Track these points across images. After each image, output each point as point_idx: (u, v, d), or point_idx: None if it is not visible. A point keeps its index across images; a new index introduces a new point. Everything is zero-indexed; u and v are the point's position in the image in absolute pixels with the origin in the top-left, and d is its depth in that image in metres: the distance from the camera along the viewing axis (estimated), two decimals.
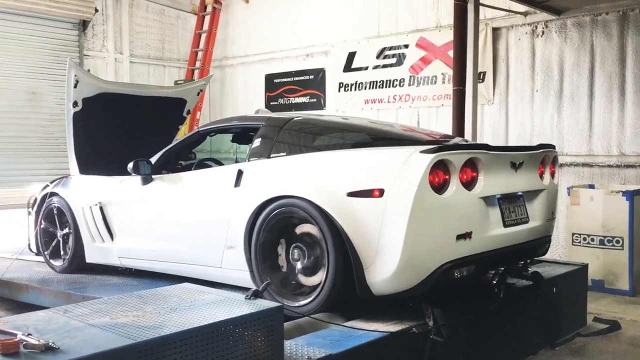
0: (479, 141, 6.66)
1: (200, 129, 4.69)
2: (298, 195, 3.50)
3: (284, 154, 3.85)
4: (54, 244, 5.28)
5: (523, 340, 4.09)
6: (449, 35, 7.12)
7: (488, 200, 3.51)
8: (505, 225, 3.63)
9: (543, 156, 4.02)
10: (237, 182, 3.92)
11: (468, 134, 6.20)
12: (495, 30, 7.39)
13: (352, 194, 3.32)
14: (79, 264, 5.08)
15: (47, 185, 5.49)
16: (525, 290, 4.16)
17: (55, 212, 5.23)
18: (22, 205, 6.25)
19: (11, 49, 8.46)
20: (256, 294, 2.78)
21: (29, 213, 5.75)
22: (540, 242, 4.03)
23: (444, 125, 7.22)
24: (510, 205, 3.72)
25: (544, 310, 4.26)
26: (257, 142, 4.04)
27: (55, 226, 5.26)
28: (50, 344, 2.03)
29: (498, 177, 3.61)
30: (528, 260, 4.13)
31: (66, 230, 5.15)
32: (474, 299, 3.76)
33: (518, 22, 7.24)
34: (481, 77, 7.42)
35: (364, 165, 3.43)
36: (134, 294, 2.87)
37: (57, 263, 5.24)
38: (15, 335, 2.09)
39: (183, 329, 2.29)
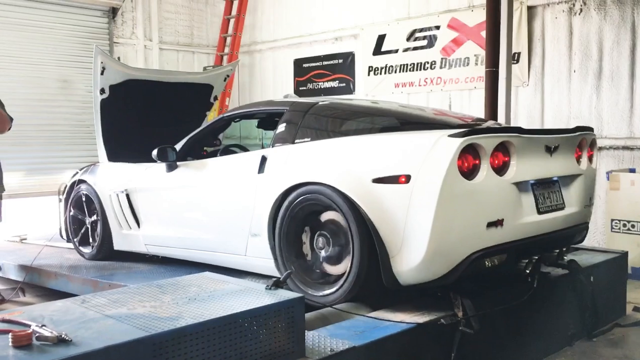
0: (513, 124, 6.44)
1: (225, 115, 4.62)
2: (322, 181, 3.40)
3: (309, 139, 3.75)
4: (82, 231, 5.31)
5: (558, 331, 3.93)
6: (481, 16, 6.88)
7: (521, 186, 3.35)
8: (539, 212, 3.46)
9: (580, 139, 3.83)
10: (261, 169, 3.84)
11: (501, 117, 5.99)
12: (531, 9, 7.11)
13: (377, 180, 3.21)
14: (107, 251, 5.09)
15: (77, 173, 5.52)
16: (561, 279, 4.00)
17: (84, 199, 5.25)
18: (54, 193, 6.31)
19: (43, 37, 8.52)
20: (277, 284, 2.70)
21: (60, 200, 5.80)
22: (577, 230, 3.85)
23: (476, 109, 7.01)
24: (544, 191, 3.55)
25: (581, 299, 4.09)
26: (281, 127, 3.95)
27: (83, 213, 5.28)
28: (63, 335, 1.99)
29: (532, 162, 3.44)
30: (564, 249, 3.96)
31: (94, 218, 5.16)
32: (506, 289, 3.62)
33: (554, 0, 6.95)
34: (515, 58, 7.16)
35: (390, 150, 3.30)
36: (153, 283, 2.82)
37: (86, 250, 5.27)
38: (29, 326, 2.06)
39: (200, 320, 2.23)
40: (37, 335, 1.99)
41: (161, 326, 2.15)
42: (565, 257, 4.02)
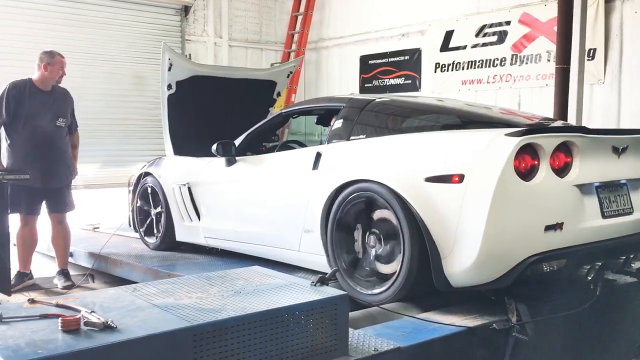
0: (586, 124, 6.14)
1: (284, 111, 4.66)
2: (374, 179, 3.37)
3: (364, 136, 3.72)
4: (148, 221, 5.51)
5: (623, 343, 3.73)
6: (555, 10, 6.58)
7: (584, 188, 3.20)
8: (604, 216, 3.29)
9: None
10: (316, 165, 3.85)
11: (572, 117, 5.74)
12: (608, 3, 6.75)
13: (430, 179, 3.14)
14: (170, 242, 5.26)
15: (144, 166, 5.73)
16: (629, 287, 3.78)
17: (150, 191, 5.44)
18: (125, 184, 6.58)
19: (119, 35, 8.89)
20: (323, 281, 2.69)
21: (129, 191, 6.04)
22: None
23: (548, 108, 6.73)
24: (610, 194, 3.37)
25: None
26: (337, 123, 3.95)
27: (149, 205, 5.48)
28: (109, 322, 2.06)
29: (597, 163, 3.27)
30: (631, 255, 3.74)
31: (159, 209, 5.34)
32: (565, 296, 3.46)
33: None
34: (591, 55, 6.83)
35: (444, 148, 3.23)
36: (203, 275, 2.89)
37: (151, 240, 5.46)
38: (79, 312, 2.15)
39: (242, 313, 2.26)
40: (85, 320, 2.07)
41: (203, 317, 2.19)
42: (633, 265, 3.79)
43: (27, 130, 5.07)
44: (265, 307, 2.33)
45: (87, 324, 2.06)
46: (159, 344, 2.03)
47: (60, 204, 5.33)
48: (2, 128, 5.09)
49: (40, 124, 5.12)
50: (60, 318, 2.04)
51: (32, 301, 2.33)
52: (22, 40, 7.84)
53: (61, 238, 5.42)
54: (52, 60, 5.18)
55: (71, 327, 2.02)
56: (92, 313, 2.14)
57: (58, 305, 2.26)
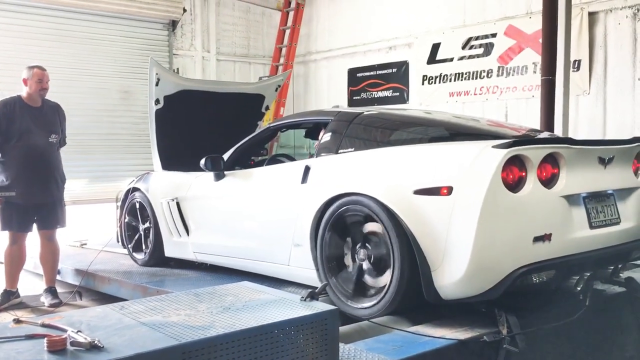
0: (573, 135, 6.20)
1: (272, 125, 4.66)
2: (363, 192, 3.37)
3: (352, 149, 3.73)
4: (136, 237, 5.47)
5: (613, 352, 3.73)
6: (540, 23, 6.66)
7: (571, 199, 3.21)
8: (591, 227, 3.31)
9: (638, 150, 3.64)
10: (304, 179, 3.85)
11: (559, 128, 5.79)
12: (592, 15, 6.85)
13: (419, 192, 3.15)
14: (159, 258, 5.22)
15: (132, 181, 5.70)
16: (617, 297, 3.79)
17: (137, 206, 5.40)
18: (113, 200, 6.53)
19: (105, 50, 8.86)
20: (312, 296, 2.68)
21: (117, 207, 6.00)
22: (635, 246, 3.63)
23: (535, 119, 6.79)
24: (597, 204, 3.39)
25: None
26: (325, 137, 3.95)
27: (137, 220, 5.44)
28: (96, 342, 2.03)
29: (583, 174, 3.29)
30: (619, 265, 3.76)
31: (147, 225, 5.30)
32: (555, 307, 3.46)
33: (617, 5, 6.67)
34: (576, 66, 6.91)
35: (432, 161, 3.24)
36: (191, 291, 2.86)
37: (139, 256, 5.42)
38: (66, 331, 2.12)
39: (231, 330, 2.23)
40: (71, 340, 2.04)
41: (192, 335, 2.17)
42: (621, 274, 3.81)
43: (19, 147, 5.05)
44: (254, 324, 2.31)
45: (73, 344, 2.03)
46: None
47: (51, 221, 5.28)
48: None
49: (33, 140, 5.10)
50: (46, 338, 2.01)
51: (17, 321, 2.29)
52: (7, 55, 7.80)
53: (50, 255, 5.36)
54: (30, 74, 5.16)
55: (57, 348, 1.99)
56: (79, 332, 2.10)
57: (44, 325, 2.23)
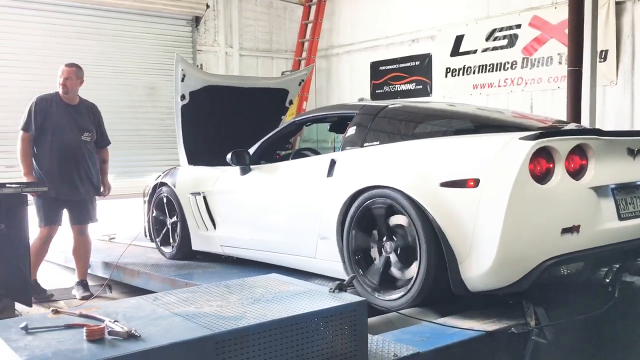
0: (600, 126, 6.13)
1: (297, 119, 4.69)
2: (389, 185, 3.38)
3: (377, 142, 3.74)
4: (164, 231, 5.55)
5: None
6: (565, 13, 6.60)
7: (600, 190, 3.19)
8: (620, 218, 3.28)
9: None
10: (330, 172, 3.87)
11: (585, 119, 5.72)
12: (619, 4, 6.73)
13: (445, 184, 3.15)
14: (186, 251, 5.30)
15: (159, 176, 5.78)
16: None
17: (165, 201, 5.49)
18: (140, 194, 6.64)
19: (131, 46, 8.98)
20: (341, 287, 2.71)
21: (144, 202, 6.09)
22: None
23: (560, 110, 6.72)
24: (627, 196, 3.36)
25: None
26: (350, 130, 3.97)
27: (164, 214, 5.52)
28: (132, 331, 2.09)
29: (612, 165, 3.26)
30: None
31: (174, 219, 5.38)
32: (584, 299, 3.44)
33: None
34: (603, 56, 6.81)
35: (458, 153, 3.24)
36: (222, 283, 2.91)
37: (167, 250, 5.51)
38: (103, 321, 2.18)
39: (262, 321, 2.28)
40: (109, 330, 2.10)
41: (224, 325, 2.22)
42: None
43: (52, 142, 5.19)
44: (285, 314, 2.35)
45: (111, 333, 2.09)
46: (182, 352, 2.06)
47: (82, 216, 5.41)
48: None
49: (66, 137, 5.24)
50: (85, 328, 2.07)
51: (55, 312, 2.36)
52: (36, 54, 7.95)
53: (82, 249, 5.48)
54: (59, 72, 5.28)
55: (96, 337, 2.05)
56: (116, 322, 2.17)
57: (81, 315, 2.30)
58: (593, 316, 3.25)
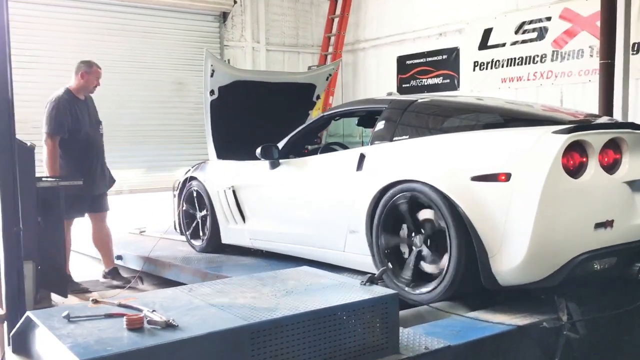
0: (633, 120, 6.02)
1: (325, 114, 4.72)
2: (419, 179, 3.39)
3: (407, 137, 3.75)
4: (194, 225, 5.63)
5: None
6: (597, 5, 6.49)
7: (634, 185, 3.15)
8: None
9: None
10: (359, 166, 3.89)
11: (618, 113, 5.64)
12: None
13: (476, 178, 3.15)
14: (215, 244, 5.37)
15: (189, 170, 5.86)
16: None
17: (195, 195, 5.56)
18: (169, 189, 6.74)
19: (159, 42, 9.08)
20: (372, 280, 2.73)
21: (174, 196, 6.19)
22: None
23: (591, 104, 6.62)
24: None
25: None
26: (380, 125, 3.98)
27: (194, 208, 5.60)
28: (170, 321, 2.15)
29: None
30: None
31: (204, 212, 5.46)
32: (617, 294, 3.41)
33: None
34: (635, 49, 6.68)
35: (490, 147, 3.23)
36: (254, 275, 2.96)
37: (197, 243, 5.59)
38: (142, 311, 2.24)
39: (295, 312, 2.32)
40: (148, 319, 2.16)
41: (259, 316, 2.26)
42: None
43: (81, 142, 5.29)
44: (317, 306, 2.39)
45: (150, 322, 2.15)
46: (219, 341, 2.10)
47: (104, 204, 5.55)
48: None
49: (91, 134, 5.37)
50: (125, 317, 2.13)
51: (95, 301, 2.43)
52: (66, 50, 8.08)
53: (105, 236, 5.61)
54: (90, 70, 5.38)
55: (135, 326, 2.11)
56: (154, 312, 2.22)
57: (120, 305, 2.36)
58: (626, 311, 3.22)
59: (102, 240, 5.62)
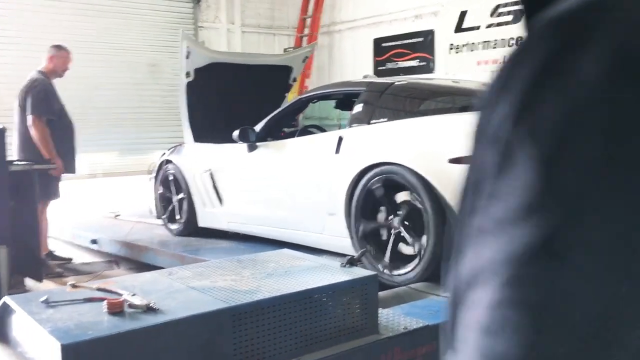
0: None
1: (303, 96, 4.71)
2: (397, 162, 3.42)
3: (385, 119, 3.77)
4: (170, 208, 5.60)
5: None
6: None
7: None
8: None
9: None
10: (338, 149, 3.90)
11: None
12: None
13: (453, 161, 3.18)
14: (192, 228, 5.35)
15: (164, 153, 5.81)
16: None
17: (171, 178, 5.52)
18: (144, 172, 6.68)
19: (133, 23, 8.93)
20: (352, 262, 2.76)
21: (150, 179, 6.13)
22: None
23: None
24: None
25: None
26: (357, 107, 3.99)
27: (171, 191, 5.56)
28: (151, 304, 2.14)
29: None
30: None
31: (181, 196, 5.42)
32: None
33: None
34: None
35: (466, 129, 3.26)
36: (234, 258, 2.96)
37: (174, 226, 5.55)
38: (122, 295, 2.23)
39: (277, 294, 2.33)
40: (128, 303, 2.15)
41: (240, 299, 2.27)
42: None
43: (63, 124, 5.29)
44: (298, 288, 2.40)
45: (130, 306, 2.14)
46: (201, 324, 2.11)
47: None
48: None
49: (69, 116, 5.39)
50: (105, 301, 2.12)
51: (73, 286, 2.41)
52: (38, 31, 7.89)
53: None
54: (59, 54, 5.37)
55: (116, 310, 2.10)
56: (134, 296, 2.21)
57: (99, 289, 2.34)
58: None
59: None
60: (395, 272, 3.45)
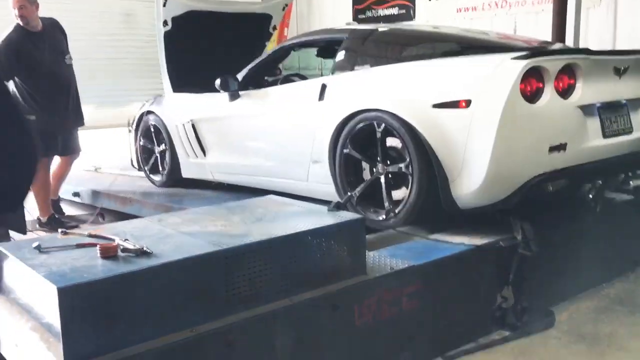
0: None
1: (285, 44, 4.65)
2: (381, 108, 3.43)
3: (368, 66, 3.75)
4: (152, 160, 5.56)
5: (621, 257, 3.91)
6: None
7: (586, 109, 3.28)
8: (604, 136, 3.39)
9: None
10: (321, 96, 3.89)
11: (570, 41, 5.75)
12: None
13: (437, 106, 3.21)
14: (176, 179, 5.34)
15: (144, 104, 5.73)
16: (626, 205, 3.93)
17: (152, 129, 5.47)
18: (123, 124, 6.58)
19: None
20: (339, 206, 2.81)
21: (130, 131, 6.06)
22: None
23: (544, 33, 6.71)
24: (611, 114, 3.46)
25: None
26: (340, 54, 3.96)
27: (152, 143, 5.52)
28: (145, 248, 2.17)
29: (599, 85, 3.34)
30: (630, 174, 3.87)
31: (163, 147, 5.38)
32: (567, 214, 3.61)
33: None
34: None
35: (450, 75, 3.28)
36: (222, 205, 2.99)
37: (157, 178, 5.54)
38: (114, 240, 2.25)
39: (267, 237, 2.37)
40: (121, 247, 2.18)
41: (231, 242, 2.31)
42: (631, 183, 3.94)
43: (41, 80, 5.02)
44: (287, 232, 2.45)
45: (123, 250, 2.17)
46: (194, 266, 2.15)
47: (74, 146, 5.46)
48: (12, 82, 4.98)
49: (53, 69, 5.09)
50: (98, 246, 2.14)
51: (65, 232, 2.42)
52: None
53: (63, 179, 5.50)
54: (10, 4, 4.94)
55: (110, 254, 2.13)
56: (126, 241, 2.24)
57: (91, 236, 2.36)
58: (576, 229, 3.42)
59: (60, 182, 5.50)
60: (381, 217, 3.50)
